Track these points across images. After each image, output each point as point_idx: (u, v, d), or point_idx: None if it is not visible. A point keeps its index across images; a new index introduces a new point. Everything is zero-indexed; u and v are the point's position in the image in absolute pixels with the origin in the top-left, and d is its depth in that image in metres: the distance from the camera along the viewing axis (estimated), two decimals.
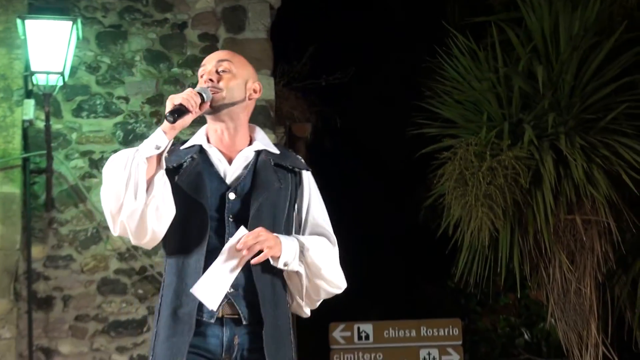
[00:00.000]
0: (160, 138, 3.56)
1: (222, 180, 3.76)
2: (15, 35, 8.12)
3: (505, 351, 12.00)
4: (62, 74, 7.97)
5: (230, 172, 3.78)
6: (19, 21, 7.90)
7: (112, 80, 8.61)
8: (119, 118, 8.55)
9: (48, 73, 7.95)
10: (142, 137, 8.47)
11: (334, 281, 3.86)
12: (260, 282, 3.66)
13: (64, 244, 8.27)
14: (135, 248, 8.28)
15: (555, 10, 8.53)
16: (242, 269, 3.61)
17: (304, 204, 3.89)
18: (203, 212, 3.66)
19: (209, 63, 3.83)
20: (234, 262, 3.59)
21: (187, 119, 3.62)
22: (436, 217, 9.17)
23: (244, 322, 3.64)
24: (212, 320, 3.62)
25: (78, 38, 8.15)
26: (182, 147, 3.83)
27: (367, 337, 10.06)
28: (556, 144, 8.20)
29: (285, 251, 3.67)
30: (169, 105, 3.60)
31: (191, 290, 3.54)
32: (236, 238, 3.59)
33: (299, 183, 3.88)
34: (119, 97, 8.58)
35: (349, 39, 12.05)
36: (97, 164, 8.40)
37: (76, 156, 8.41)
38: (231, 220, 3.68)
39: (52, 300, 8.18)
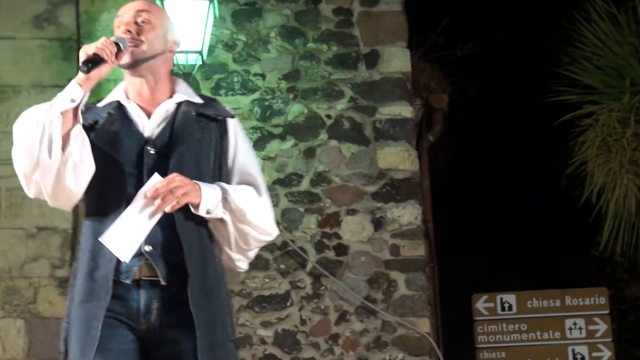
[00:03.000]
0: (75, 91, 3.36)
1: (141, 135, 3.57)
2: None
3: None
4: (200, 53, 8.07)
5: (150, 126, 3.59)
6: (158, 2, 8.03)
7: (248, 58, 8.69)
8: (256, 95, 8.63)
9: (187, 52, 8.05)
10: (278, 113, 8.56)
11: (261, 226, 3.64)
12: (184, 235, 3.45)
13: None
14: (277, 223, 8.33)
15: None
16: (163, 224, 3.41)
17: (229, 152, 3.66)
18: (120, 169, 3.47)
19: (127, 13, 3.67)
20: (149, 210, 3.38)
21: (103, 70, 3.44)
22: (578, 185, 9.01)
23: (163, 283, 3.43)
24: (129, 282, 3.41)
25: (215, 17, 8.24)
26: (99, 105, 3.65)
27: (510, 308, 9.97)
28: None
29: (206, 197, 3.45)
30: (82, 56, 3.43)
31: (100, 239, 3.33)
32: (149, 184, 3.39)
33: (224, 131, 3.66)
34: (255, 74, 8.66)
35: (483, 8, 11.91)
36: None
37: None
38: (150, 175, 3.46)
39: None
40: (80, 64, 3.40)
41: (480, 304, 9.96)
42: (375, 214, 8.43)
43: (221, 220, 3.55)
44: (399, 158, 8.48)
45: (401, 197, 8.45)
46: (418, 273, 8.35)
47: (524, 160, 12.75)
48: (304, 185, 8.47)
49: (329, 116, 8.58)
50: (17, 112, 8.61)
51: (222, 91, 8.60)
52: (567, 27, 9.00)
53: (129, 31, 3.62)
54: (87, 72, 3.38)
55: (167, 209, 3.38)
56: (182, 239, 3.44)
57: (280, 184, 8.49)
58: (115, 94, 3.65)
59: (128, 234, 3.34)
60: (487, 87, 11.47)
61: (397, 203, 8.45)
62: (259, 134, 8.52)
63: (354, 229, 8.39)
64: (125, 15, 3.67)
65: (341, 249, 8.38)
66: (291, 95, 8.60)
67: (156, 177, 3.40)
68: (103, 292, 3.37)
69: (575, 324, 9.82)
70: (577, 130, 8.55)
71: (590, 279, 11.51)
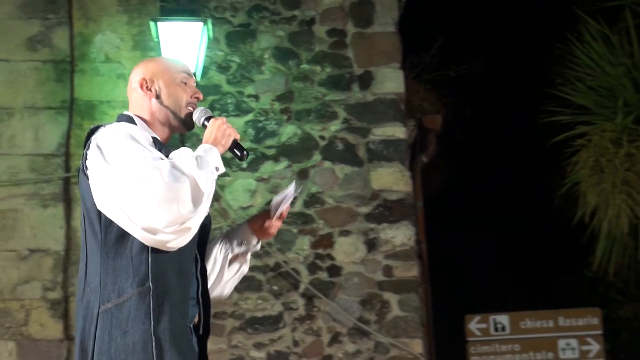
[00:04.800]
0: (222, 167, 3.52)
1: None
2: (149, 38, 8.27)
3: None
4: (194, 74, 8.06)
5: None
6: (152, 24, 8.04)
7: (242, 79, 8.70)
8: (250, 116, 8.64)
9: None
10: (272, 134, 8.56)
11: None
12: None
13: None
14: (269, 244, 8.36)
15: None
16: (203, 280, 3.60)
17: None
18: None
19: (192, 77, 3.76)
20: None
21: None
22: (571, 205, 9.03)
23: (200, 332, 3.61)
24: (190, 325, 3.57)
25: (209, 38, 8.25)
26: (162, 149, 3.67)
27: (503, 329, 9.98)
28: None
29: None
30: (234, 142, 3.58)
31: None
32: (287, 196, 3.71)
33: None
34: (249, 96, 8.67)
35: (477, 29, 11.96)
36: (229, 162, 8.49)
37: None
38: None
39: None
40: (240, 152, 3.62)
41: (473, 324, 9.97)
42: (369, 234, 8.43)
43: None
44: (392, 179, 8.49)
45: (394, 218, 8.46)
46: (411, 294, 8.35)
47: (518, 181, 12.78)
48: (298, 206, 8.47)
49: (322, 137, 8.59)
50: (9, 134, 8.64)
51: (216, 113, 8.59)
52: (560, 48, 9.03)
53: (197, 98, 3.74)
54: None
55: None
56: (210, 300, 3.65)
57: None
58: (148, 134, 3.64)
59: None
60: (481, 108, 11.49)
61: (390, 224, 8.45)
62: (253, 155, 8.52)
63: (347, 250, 8.39)
64: (192, 79, 3.74)
65: (334, 270, 8.38)
66: (285, 117, 8.62)
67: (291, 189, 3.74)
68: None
69: (568, 344, 9.83)
70: (570, 150, 8.56)
71: (584, 299, 11.53)
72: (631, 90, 8.39)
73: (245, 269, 3.92)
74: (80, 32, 8.46)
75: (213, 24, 8.37)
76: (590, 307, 10.21)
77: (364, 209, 8.47)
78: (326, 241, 8.44)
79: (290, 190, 3.73)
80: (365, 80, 8.68)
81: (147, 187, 3.27)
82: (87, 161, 3.47)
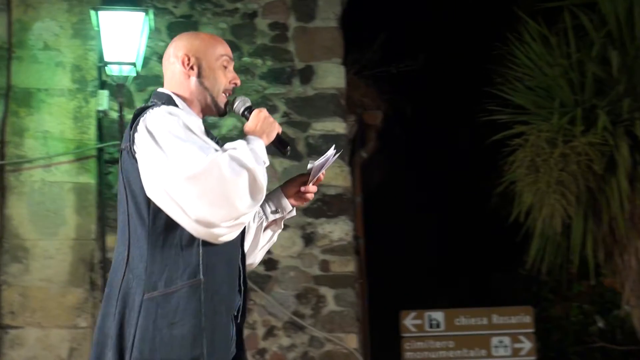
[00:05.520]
0: (267, 160, 3.47)
1: None
2: (90, 27, 8.21)
3: (578, 339, 11.89)
4: (134, 64, 8.04)
5: None
6: (92, 13, 7.98)
7: None
8: None
9: (121, 64, 8.01)
10: (212, 126, 8.53)
11: None
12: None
13: None
14: None
15: None
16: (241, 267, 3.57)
17: None
18: None
19: (232, 61, 3.71)
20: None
21: None
22: (507, 204, 9.10)
23: (237, 322, 3.56)
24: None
25: (150, 29, 8.21)
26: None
27: (438, 325, 10.04)
28: (631, 129, 8.10)
29: None
30: (277, 135, 3.54)
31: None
32: (326, 160, 3.66)
33: None
34: None
35: (420, 26, 12.00)
36: None
37: None
38: None
39: None
40: (283, 145, 3.59)
41: (409, 320, 10.03)
42: (306, 229, 8.45)
43: None
44: (331, 174, 8.50)
45: (333, 213, 8.48)
46: (347, 289, 8.39)
47: (457, 179, 12.86)
48: None
49: None
50: None
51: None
52: (500, 47, 9.09)
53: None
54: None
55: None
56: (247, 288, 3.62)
57: None
58: (199, 120, 3.58)
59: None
60: (422, 105, 11.54)
61: (328, 219, 8.48)
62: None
63: (284, 244, 8.39)
64: (231, 63, 3.70)
65: (271, 264, 8.38)
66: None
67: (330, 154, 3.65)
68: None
69: (501, 341, 9.93)
70: (507, 149, 8.63)
71: (518, 297, 11.64)
72: (567, 91, 8.47)
73: (275, 237, 3.83)
74: (19, 19, 8.38)
75: (155, 14, 8.33)
76: (524, 305, 10.32)
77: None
78: None
79: (330, 154, 3.63)
80: (306, 75, 8.70)
81: (205, 180, 3.20)
82: (134, 145, 3.36)
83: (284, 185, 3.79)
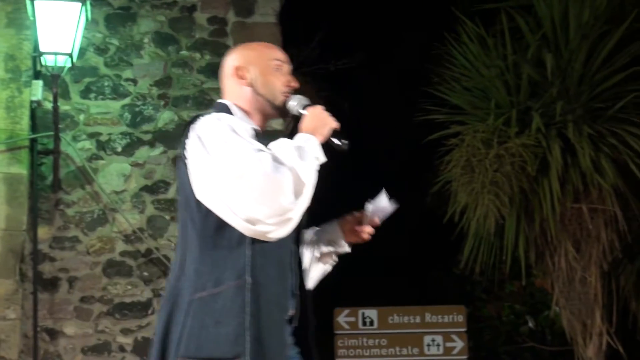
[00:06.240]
0: (322, 157, 3.52)
1: None
2: (25, 16, 8.11)
3: (509, 339, 12.01)
4: (70, 55, 7.96)
5: None
6: (28, 2, 7.89)
7: (120, 62, 8.60)
8: (127, 100, 8.55)
9: (56, 54, 7.94)
10: (149, 119, 8.49)
11: None
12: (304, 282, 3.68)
13: (70, 226, 8.28)
14: (142, 230, 8.30)
15: None
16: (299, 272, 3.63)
17: None
18: None
19: (287, 62, 3.77)
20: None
21: None
22: (443, 203, 9.17)
23: (295, 324, 3.63)
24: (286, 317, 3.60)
25: (87, 19, 8.14)
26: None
27: (371, 323, 10.08)
28: (564, 132, 8.19)
29: None
30: (333, 131, 3.59)
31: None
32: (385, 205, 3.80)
33: None
34: (127, 79, 8.58)
35: (358, 25, 12.03)
36: (104, 146, 8.41)
37: (83, 138, 8.41)
38: None
39: (58, 282, 8.19)
40: (339, 141, 3.62)
41: (342, 318, 10.06)
42: None
43: None
44: None
45: None
46: None
47: (393, 177, 12.89)
48: (172, 193, 8.42)
49: None
50: None
51: (92, 95, 8.49)
52: (439, 47, 9.14)
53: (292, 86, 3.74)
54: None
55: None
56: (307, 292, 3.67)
57: (148, 191, 8.42)
58: (248, 125, 3.61)
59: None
60: (360, 103, 11.57)
61: None
62: (128, 140, 8.44)
63: None
64: (287, 65, 3.77)
65: None
66: (162, 102, 8.55)
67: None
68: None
69: (433, 340, 10.00)
70: (443, 149, 8.68)
71: (452, 296, 11.72)
72: (503, 93, 8.54)
73: (329, 267, 3.93)
74: None
75: (92, 5, 8.27)
76: (457, 304, 10.39)
77: None
78: None
79: (387, 205, 3.78)
80: None
81: (248, 178, 3.28)
82: (186, 150, 3.47)
83: (342, 219, 3.92)
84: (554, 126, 8.25)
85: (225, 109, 3.63)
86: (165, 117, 8.53)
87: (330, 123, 3.60)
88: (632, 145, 7.98)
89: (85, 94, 8.49)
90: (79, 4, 7.95)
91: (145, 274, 8.32)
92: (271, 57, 3.72)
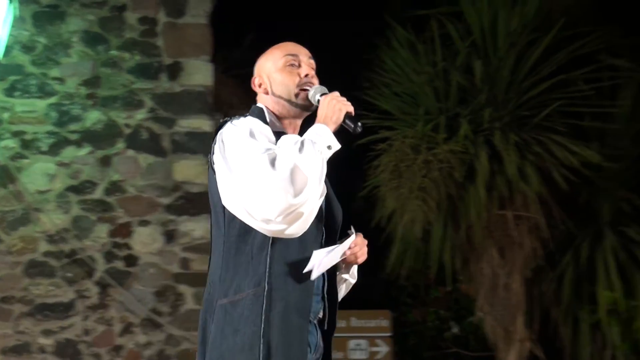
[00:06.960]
0: (336, 144, 3.52)
1: None
2: None
3: (434, 344, 12.04)
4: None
5: None
6: None
7: (47, 61, 8.50)
8: (54, 99, 8.45)
9: None
10: (76, 119, 8.40)
11: None
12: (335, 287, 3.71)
13: None
14: (66, 230, 8.21)
15: (494, 6, 8.58)
16: (330, 273, 3.63)
17: None
18: None
19: (302, 54, 3.73)
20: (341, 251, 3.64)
21: None
22: (370, 208, 9.19)
23: (325, 328, 3.63)
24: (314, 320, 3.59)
25: (14, 17, 8.04)
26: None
27: None
28: (491, 139, 8.25)
29: None
30: (346, 115, 3.53)
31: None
32: (350, 243, 3.71)
33: None
34: (54, 78, 8.48)
35: (290, 27, 12.02)
36: (28, 145, 8.31)
37: (7, 136, 8.31)
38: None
39: None
40: (353, 124, 3.55)
41: None
42: (168, 226, 8.38)
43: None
44: (195, 172, 8.46)
45: (195, 211, 8.43)
46: None
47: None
48: (98, 193, 8.35)
49: (127, 125, 8.49)
50: None
51: (17, 93, 8.38)
52: (370, 52, 9.17)
53: (312, 78, 3.68)
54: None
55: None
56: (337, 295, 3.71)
57: (73, 191, 8.34)
58: (270, 127, 3.57)
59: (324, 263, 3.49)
60: None
61: (190, 216, 8.43)
62: (55, 139, 8.35)
63: (145, 240, 8.32)
64: (302, 57, 3.73)
65: (131, 260, 8.30)
66: (90, 102, 8.47)
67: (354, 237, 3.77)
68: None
69: (358, 345, 10.00)
70: (372, 154, 8.70)
71: (377, 301, 11.73)
72: (432, 99, 8.59)
73: (344, 288, 3.89)
74: None
75: (20, 2, 8.18)
76: (382, 309, 10.41)
77: (165, 200, 8.42)
78: (125, 230, 8.35)
79: (345, 243, 3.70)
80: (174, 71, 8.63)
81: (254, 180, 3.28)
82: (213, 155, 3.49)
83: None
84: (481, 133, 8.31)
85: (259, 112, 3.63)
86: (93, 117, 8.45)
87: (343, 108, 3.54)
88: (556, 154, 8.07)
89: (10, 92, 8.39)
90: (6, 1, 7.88)
91: (69, 274, 8.24)
92: (280, 56, 3.71)
